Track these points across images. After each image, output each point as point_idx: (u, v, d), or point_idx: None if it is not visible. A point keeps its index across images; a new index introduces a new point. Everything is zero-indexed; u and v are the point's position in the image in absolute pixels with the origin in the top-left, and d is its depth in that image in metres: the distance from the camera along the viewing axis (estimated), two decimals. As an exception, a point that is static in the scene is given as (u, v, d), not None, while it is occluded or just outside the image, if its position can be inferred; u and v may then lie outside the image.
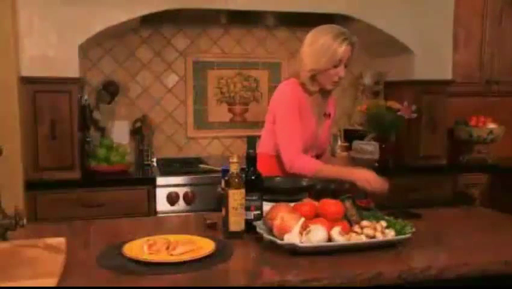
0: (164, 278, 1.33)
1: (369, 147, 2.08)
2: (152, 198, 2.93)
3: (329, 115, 2.30)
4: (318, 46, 2.06)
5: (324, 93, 2.22)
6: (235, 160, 1.67)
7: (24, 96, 2.82)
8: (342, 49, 2.03)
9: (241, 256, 1.53)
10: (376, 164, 2.07)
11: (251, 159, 1.75)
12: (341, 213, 1.64)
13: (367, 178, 1.97)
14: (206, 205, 2.91)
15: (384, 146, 3.41)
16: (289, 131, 2.09)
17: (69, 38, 2.86)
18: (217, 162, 3.14)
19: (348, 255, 1.49)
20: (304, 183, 2.02)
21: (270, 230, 1.58)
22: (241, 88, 3.66)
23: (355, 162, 2.06)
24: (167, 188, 2.94)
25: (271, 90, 3.34)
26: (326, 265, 1.42)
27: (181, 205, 2.95)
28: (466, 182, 3.55)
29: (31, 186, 2.81)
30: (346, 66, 2.10)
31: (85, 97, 3.17)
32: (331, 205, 1.65)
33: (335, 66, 2.06)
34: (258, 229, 1.61)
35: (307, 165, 2.07)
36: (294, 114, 2.10)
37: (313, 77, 2.12)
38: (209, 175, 2.99)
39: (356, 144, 2.12)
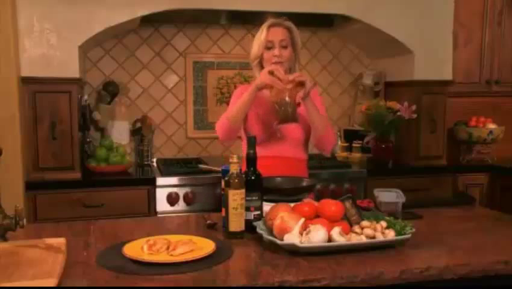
0: (164, 278, 1.33)
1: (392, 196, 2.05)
2: (152, 198, 2.93)
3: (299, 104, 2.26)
4: (255, 37, 2.28)
5: None
6: (235, 160, 1.67)
7: (24, 96, 2.82)
8: (265, 31, 2.21)
9: (241, 256, 1.53)
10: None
11: (251, 160, 1.75)
12: (341, 213, 1.64)
13: (264, 74, 2.09)
14: (206, 205, 2.91)
15: (384, 146, 3.45)
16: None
17: (69, 38, 2.86)
18: (217, 163, 3.14)
19: (348, 255, 1.49)
20: (304, 183, 2.02)
21: (270, 231, 1.58)
22: (241, 89, 3.65)
23: (382, 207, 2.02)
24: (167, 188, 2.94)
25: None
26: (326, 265, 1.42)
27: (180, 205, 2.95)
28: (466, 182, 3.55)
29: (31, 186, 2.81)
30: (285, 48, 2.20)
31: (85, 97, 3.17)
32: (331, 205, 1.65)
33: (269, 48, 2.21)
34: (258, 230, 1.61)
35: (220, 118, 2.26)
36: (232, 101, 2.32)
37: (260, 69, 2.25)
38: (209, 175, 2.99)
39: (378, 194, 2.05)
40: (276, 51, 2.19)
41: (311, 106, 2.14)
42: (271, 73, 2.09)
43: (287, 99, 2.06)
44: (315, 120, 2.17)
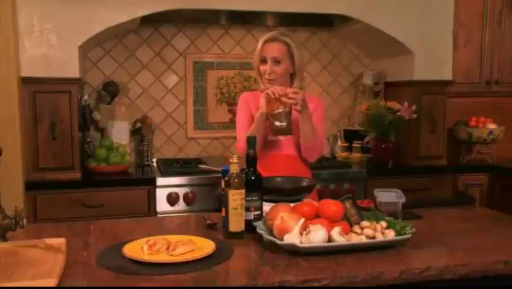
0: (164, 278, 1.33)
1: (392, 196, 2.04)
2: (152, 198, 2.93)
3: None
4: None
5: None
6: (235, 160, 1.67)
7: (24, 96, 2.82)
8: (259, 46, 2.29)
9: (241, 256, 1.53)
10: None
11: (251, 160, 1.75)
12: (341, 213, 1.64)
13: (266, 93, 2.13)
14: (206, 205, 2.91)
15: (383, 146, 3.45)
16: (237, 128, 2.38)
17: (69, 38, 2.86)
18: (217, 163, 3.14)
19: (348, 255, 1.49)
20: (304, 183, 2.02)
21: (270, 231, 1.58)
22: (241, 89, 3.65)
23: (382, 207, 2.02)
24: (167, 188, 2.94)
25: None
26: (326, 265, 1.42)
27: (181, 205, 2.95)
28: (466, 182, 3.55)
29: (31, 186, 2.81)
30: (278, 62, 2.25)
31: (85, 97, 3.17)
32: (331, 205, 1.65)
33: (263, 63, 2.27)
34: (258, 230, 1.61)
35: (240, 143, 2.26)
36: (239, 114, 2.38)
37: (261, 78, 2.34)
38: (209, 175, 2.99)
39: (378, 194, 2.04)
40: (267, 68, 2.25)
41: (305, 119, 2.17)
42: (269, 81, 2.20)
43: (281, 111, 2.08)
44: (304, 131, 2.20)
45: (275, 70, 2.25)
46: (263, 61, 2.27)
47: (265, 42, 2.27)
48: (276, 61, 2.25)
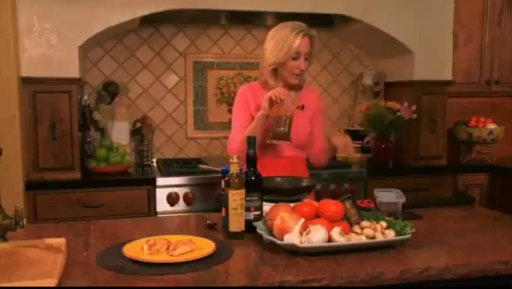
0: (164, 278, 1.33)
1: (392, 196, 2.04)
2: (152, 198, 2.93)
3: (303, 106, 2.26)
4: (277, 40, 2.16)
5: (293, 87, 2.23)
6: (235, 160, 1.67)
7: (24, 96, 2.83)
8: (298, 41, 2.12)
9: (241, 256, 1.53)
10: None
11: (251, 160, 1.75)
12: (341, 213, 1.64)
13: (269, 96, 2.08)
14: (206, 205, 2.91)
15: (384, 146, 3.45)
16: (233, 127, 2.28)
17: (69, 38, 2.86)
18: (217, 163, 3.14)
19: (348, 255, 1.49)
20: (304, 183, 2.02)
21: (270, 231, 1.58)
22: (241, 89, 3.65)
23: (382, 207, 2.01)
24: (167, 188, 2.94)
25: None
26: (326, 265, 1.42)
27: (180, 205, 2.95)
28: (466, 182, 3.55)
29: (31, 186, 2.81)
30: (306, 59, 2.18)
31: (85, 97, 3.17)
32: (331, 205, 1.65)
33: (294, 58, 2.15)
34: (258, 230, 1.61)
35: (234, 143, 2.18)
36: (236, 112, 2.28)
37: (275, 72, 2.21)
38: (209, 175, 2.99)
39: (378, 194, 2.04)
40: (302, 64, 2.16)
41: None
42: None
43: (282, 115, 2.06)
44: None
45: (306, 65, 2.18)
46: (295, 58, 2.15)
47: (303, 36, 2.13)
48: (306, 57, 2.18)
